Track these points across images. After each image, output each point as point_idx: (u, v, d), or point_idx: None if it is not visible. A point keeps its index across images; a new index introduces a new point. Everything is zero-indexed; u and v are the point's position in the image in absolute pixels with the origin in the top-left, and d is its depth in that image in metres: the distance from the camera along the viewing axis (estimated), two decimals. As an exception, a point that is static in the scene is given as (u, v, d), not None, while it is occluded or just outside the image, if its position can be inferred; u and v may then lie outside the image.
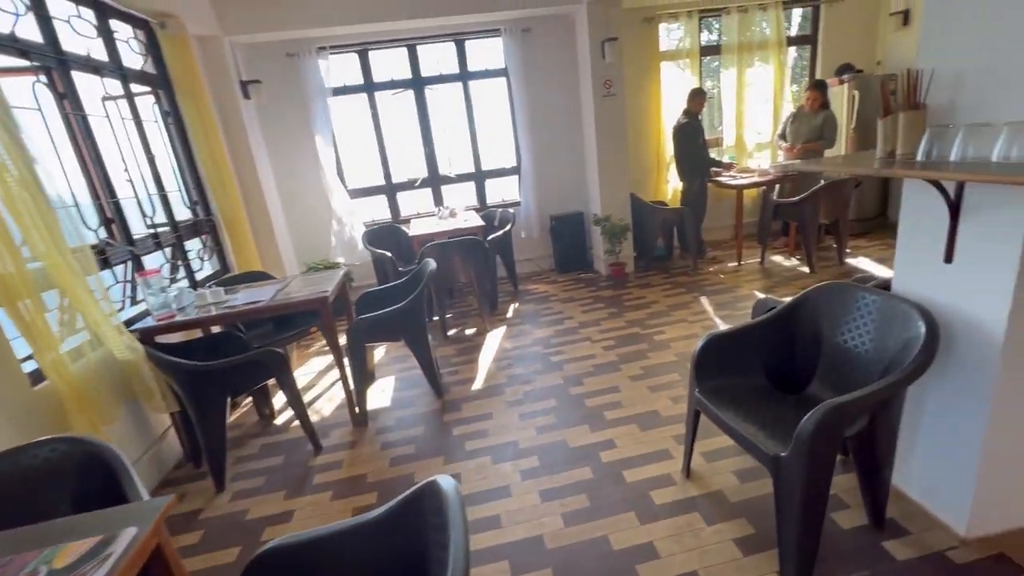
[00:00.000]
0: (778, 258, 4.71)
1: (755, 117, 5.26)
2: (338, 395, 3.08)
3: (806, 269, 4.25)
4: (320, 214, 4.69)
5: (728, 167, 4.89)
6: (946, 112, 1.43)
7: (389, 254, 4.08)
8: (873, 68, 5.21)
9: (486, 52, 4.77)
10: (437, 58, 4.71)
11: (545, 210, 5.05)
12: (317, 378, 3.38)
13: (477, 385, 3.01)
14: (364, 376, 2.72)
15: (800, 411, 1.69)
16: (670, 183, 5.21)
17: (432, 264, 2.88)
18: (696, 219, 4.78)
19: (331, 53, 4.37)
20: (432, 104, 4.79)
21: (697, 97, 4.57)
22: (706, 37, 5.13)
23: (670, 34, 5.03)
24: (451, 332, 3.90)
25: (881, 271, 4.00)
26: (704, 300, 3.89)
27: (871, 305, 1.66)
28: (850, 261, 4.34)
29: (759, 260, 4.64)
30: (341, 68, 4.57)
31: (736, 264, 4.65)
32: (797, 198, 4.15)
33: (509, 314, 4.16)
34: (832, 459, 1.43)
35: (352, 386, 2.70)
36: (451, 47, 4.66)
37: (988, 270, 1.37)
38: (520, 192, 5.02)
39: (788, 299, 1.93)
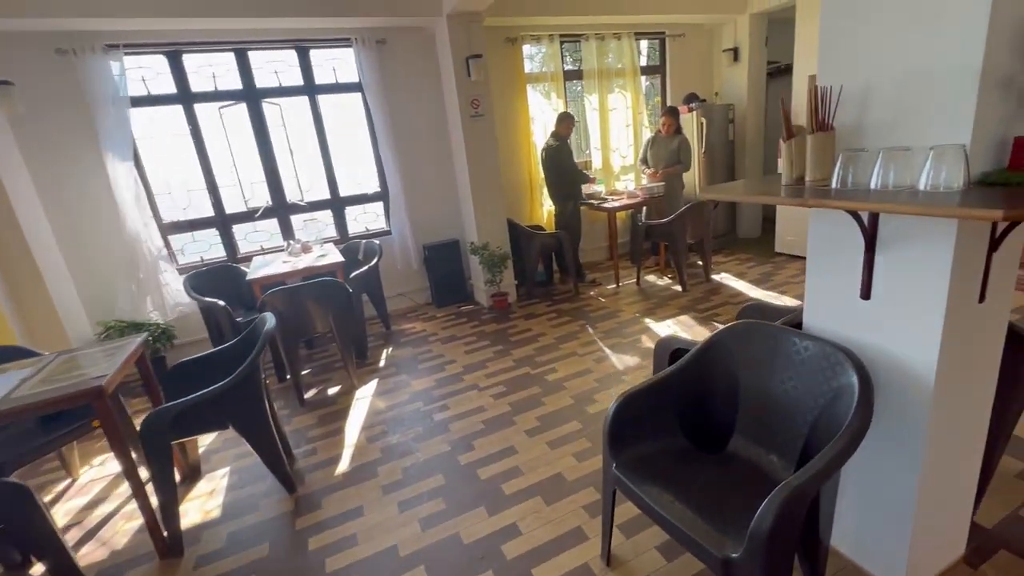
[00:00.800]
0: (652, 277, 4.79)
1: (619, 141, 5.40)
2: (139, 512, 2.24)
3: (679, 288, 4.35)
4: (121, 256, 3.64)
5: (592, 180, 4.89)
6: (853, 133, 1.29)
7: (223, 303, 3.26)
8: (713, 99, 5.69)
9: (338, 63, 4.20)
10: (276, 67, 4.01)
11: (418, 239, 4.57)
12: (111, 487, 2.46)
13: (343, 467, 2.40)
14: (171, 486, 1.96)
15: (729, 476, 1.44)
16: (544, 206, 5.09)
17: (270, 321, 2.23)
18: (573, 243, 4.69)
19: (127, 53, 3.44)
20: (273, 121, 4.06)
21: (565, 120, 4.50)
22: (569, 62, 5.15)
23: (533, 56, 4.95)
24: (310, 395, 3.20)
25: (744, 287, 4.23)
26: (591, 329, 3.73)
27: (790, 347, 1.49)
28: (715, 277, 4.55)
29: (635, 280, 4.68)
30: (145, 73, 3.65)
31: (615, 286, 4.62)
32: (667, 219, 4.23)
33: (382, 362, 3.58)
34: (791, 551, 1.18)
35: (156, 502, 1.93)
36: (292, 55, 4.01)
37: (912, 307, 1.25)
38: (388, 220, 4.48)
39: (690, 337, 1.72)
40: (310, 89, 4.10)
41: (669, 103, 5.63)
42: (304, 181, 4.29)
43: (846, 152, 1.23)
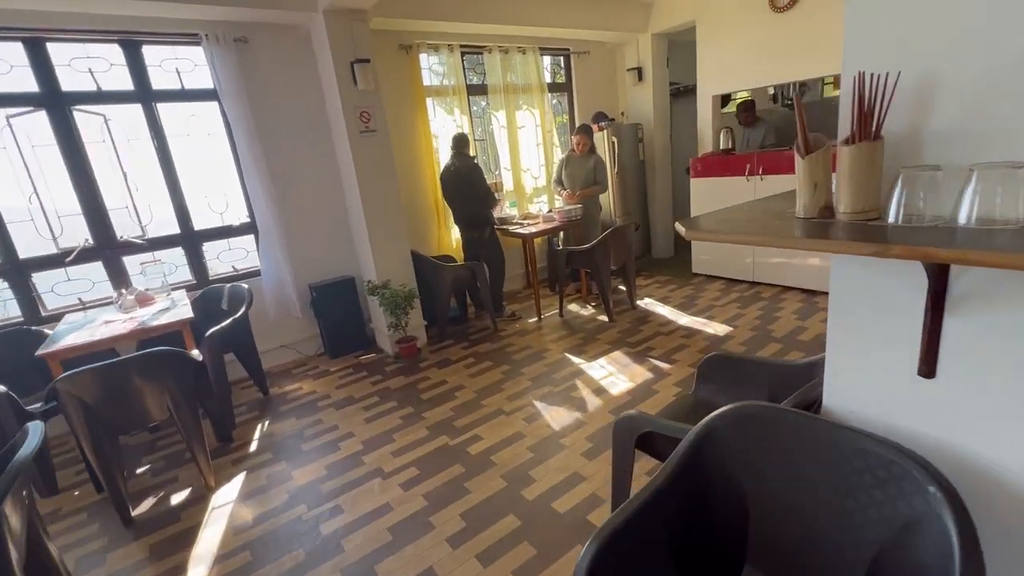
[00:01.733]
0: (575, 307, 4.42)
1: (530, 161, 5.04)
2: None
3: (605, 318, 4.01)
4: None
5: (499, 202, 4.46)
6: (906, 146, 0.91)
7: (3, 388, 2.27)
8: (620, 118, 5.56)
9: (184, 65, 3.35)
10: (92, 65, 3.08)
11: (301, 278, 3.78)
12: None
13: (177, 639, 1.61)
14: None
15: None
16: (453, 232, 4.54)
17: (33, 439, 1.41)
18: (497, 272, 4.19)
19: None
20: (92, 135, 3.10)
21: (463, 141, 4.02)
22: (474, 76, 4.70)
23: (434, 68, 4.43)
24: (141, 509, 2.31)
25: (671, 313, 3.99)
26: (516, 376, 3.21)
27: (818, 444, 1.06)
28: (639, 303, 4.28)
29: (558, 311, 4.27)
30: None
31: (537, 319, 4.18)
32: (589, 246, 3.88)
33: (253, 445, 2.76)
34: None
35: None
36: (116, 51, 3.10)
37: (1007, 395, 0.86)
38: (261, 257, 3.65)
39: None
40: (145, 95, 3.20)
41: (578, 122, 5.41)
42: (143, 212, 3.34)
43: (908, 171, 0.83)
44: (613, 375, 3.05)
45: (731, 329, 3.54)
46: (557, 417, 2.67)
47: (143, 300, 2.99)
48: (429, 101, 4.30)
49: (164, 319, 2.64)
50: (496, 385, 3.11)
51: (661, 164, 5.51)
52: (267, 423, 2.98)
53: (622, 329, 3.78)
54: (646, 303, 4.30)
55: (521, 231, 4.14)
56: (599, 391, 2.88)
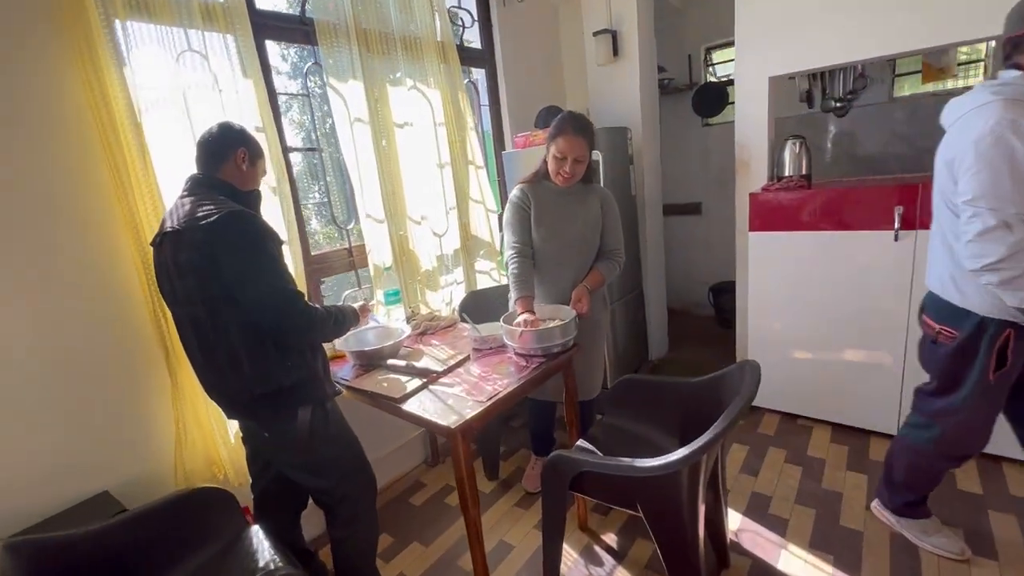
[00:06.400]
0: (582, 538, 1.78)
1: (428, 197, 2.33)
2: None
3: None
4: None
5: (365, 311, 1.73)
6: None
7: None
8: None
9: None
10: None
11: None
12: None
13: None
14: None
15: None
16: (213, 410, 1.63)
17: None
18: (350, 539, 1.38)
19: None
20: None
21: (218, 143, 1.23)
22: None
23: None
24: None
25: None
26: None
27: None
28: (737, 534, 1.79)
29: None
30: None
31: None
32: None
33: None
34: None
35: None
36: None
37: None
38: None
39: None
40: None
41: (508, 124, 2.86)
42: None
43: None
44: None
45: None
46: None
47: None
48: (121, 39, 1.40)
49: None
50: None
51: (653, 200, 3.18)
52: None
53: None
54: (742, 527, 1.81)
55: (421, 411, 1.40)
56: None
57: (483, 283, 2.62)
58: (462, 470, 1.32)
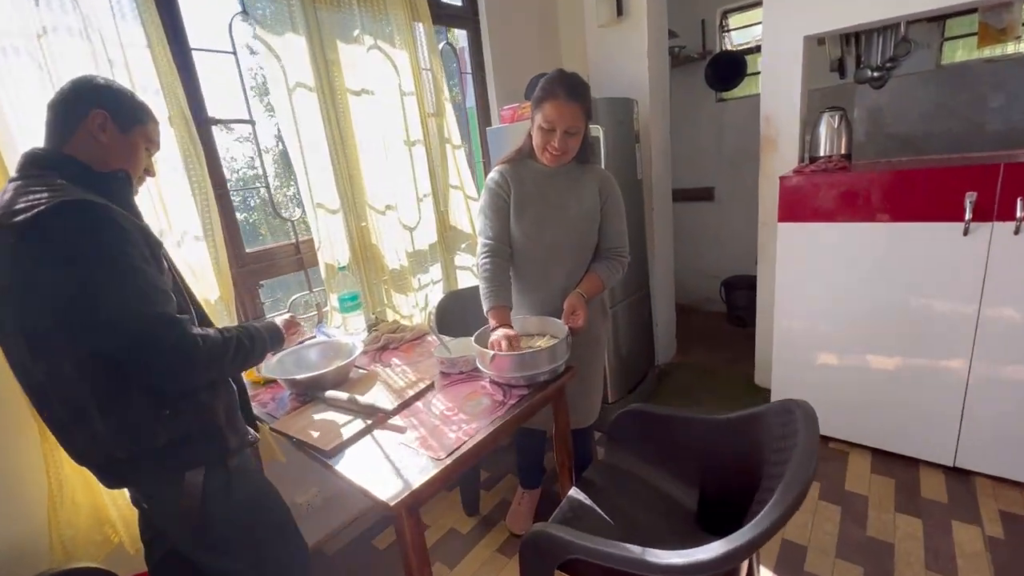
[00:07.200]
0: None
1: (395, 182, 1.95)
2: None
3: None
4: None
5: (295, 330, 1.36)
6: None
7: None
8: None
9: None
10: None
11: None
12: None
13: None
14: None
15: None
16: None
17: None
18: None
19: None
20: None
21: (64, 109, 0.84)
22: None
23: None
24: None
25: None
26: None
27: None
28: None
29: None
30: None
31: None
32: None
33: None
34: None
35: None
36: None
37: None
38: None
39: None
40: None
41: (494, 93, 2.46)
42: None
43: None
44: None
45: None
46: None
47: None
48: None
49: None
50: None
51: (661, 186, 2.79)
52: None
53: None
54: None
55: (354, 474, 1.04)
56: None
57: (465, 281, 2.25)
58: (410, 558, 0.96)
